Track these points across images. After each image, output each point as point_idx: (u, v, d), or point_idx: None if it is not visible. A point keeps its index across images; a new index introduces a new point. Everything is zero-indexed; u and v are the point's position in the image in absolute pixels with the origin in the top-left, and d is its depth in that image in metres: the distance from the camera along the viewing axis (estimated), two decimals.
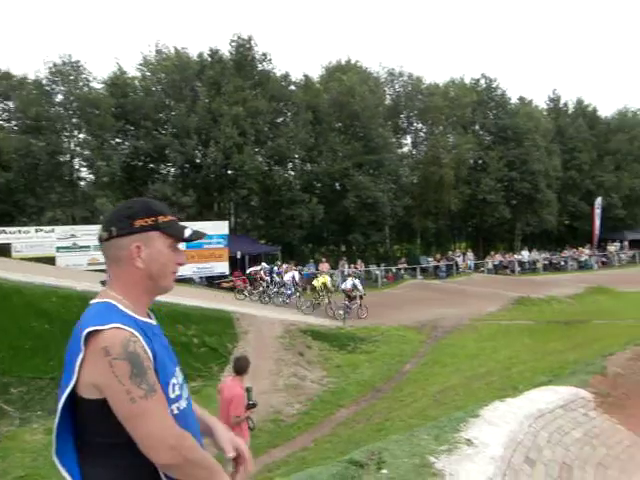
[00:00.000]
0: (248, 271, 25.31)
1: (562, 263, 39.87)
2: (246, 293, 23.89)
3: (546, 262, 39.46)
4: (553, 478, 5.44)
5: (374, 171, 34.89)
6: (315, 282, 23.61)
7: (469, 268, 35.78)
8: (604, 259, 42.03)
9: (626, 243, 45.13)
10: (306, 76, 36.72)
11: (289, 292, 23.69)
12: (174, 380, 1.91)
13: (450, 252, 38.03)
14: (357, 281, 22.68)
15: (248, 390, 7.82)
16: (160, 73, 32.57)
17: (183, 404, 1.93)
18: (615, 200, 45.71)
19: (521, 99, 45.29)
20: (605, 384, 8.76)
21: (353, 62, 38.87)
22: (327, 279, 23.52)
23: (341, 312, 20.97)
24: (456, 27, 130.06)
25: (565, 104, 50.35)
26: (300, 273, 26.36)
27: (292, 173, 36.01)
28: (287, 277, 24.56)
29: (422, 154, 40.10)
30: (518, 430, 5.82)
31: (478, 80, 43.68)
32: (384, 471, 4.47)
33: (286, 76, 35.08)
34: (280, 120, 34.50)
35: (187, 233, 2.01)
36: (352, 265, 30.55)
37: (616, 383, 8.98)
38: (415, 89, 39.46)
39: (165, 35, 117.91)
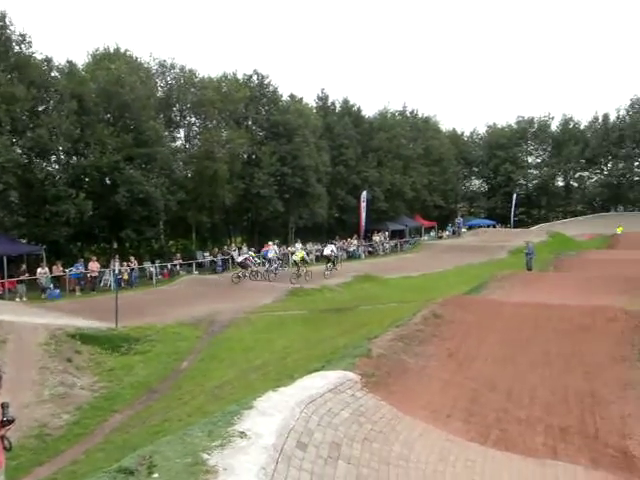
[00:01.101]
0: (239, 260, 29.19)
1: None
2: (240, 275, 28.01)
3: (318, 254, 41.46)
4: (323, 458, 5.60)
5: (146, 165, 33.61)
6: (295, 257, 29.70)
7: None
8: (370, 249, 45.58)
9: (387, 233, 49.40)
10: (70, 62, 34.03)
11: (275, 265, 29.90)
12: None
13: (226, 246, 38.16)
14: (334, 247, 31.10)
15: (2, 406, 6.97)
16: None
17: None
18: (378, 194, 49.78)
19: (292, 96, 46.83)
20: (370, 365, 9.33)
21: (122, 50, 36.91)
22: (303, 254, 30.23)
23: (327, 273, 28.96)
24: (227, 21, 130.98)
25: (333, 103, 53.41)
26: (278, 246, 33.64)
27: (56, 167, 33.22)
28: (271, 254, 30.14)
29: (196, 148, 39.55)
30: (290, 417, 5.90)
31: (251, 76, 44.22)
32: (155, 475, 4.26)
33: (48, 61, 32.10)
34: (41, 108, 31.46)
35: None
36: (125, 263, 29.16)
37: (379, 363, 9.62)
38: (188, 82, 38.69)
39: None
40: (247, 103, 42.12)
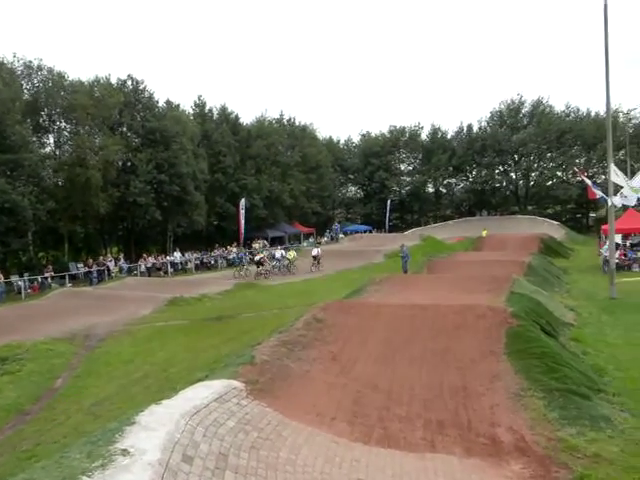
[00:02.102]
0: (257, 258, 34.42)
1: (212, 262, 41.82)
2: (261, 272, 33.17)
3: (197, 262, 40.90)
4: (210, 470, 5.56)
5: (12, 172, 31.61)
6: (288, 255, 36.16)
7: (122, 272, 35.03)
8: (250, 256, 45.33)
9: (266, 240, 49.61)
10: None
11: (283, 262, 35.55)
12: None
13: (101, 257, 36.67)
14: (319, 249, 37.13)
15: None
16: None
17: None
18: (257, 201, 49.95)
19: (168, 103, 45.98)
20: (254, 372, 9.35)
21: None
22: (294, 253, 37.52)
23: (313, 268, 34.20)
24: (97, 23, 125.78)
25: (210, 110, 52.96)
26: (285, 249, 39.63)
27: None
28: (277, 254, 36.01)
29: (67, 155, 37.71)
30: (175, 430, 5.80)
31: (125, 81, 42.74)
32: None
33: None
34: None
35: None
36: None
37: (263, 370, 9.66)
38: (57, 85, 36.76)
39: None
40: (122, 109, 40.75)
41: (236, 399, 7.92)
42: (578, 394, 9.17)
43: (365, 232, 60.36)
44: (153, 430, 5.65)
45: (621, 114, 57.89)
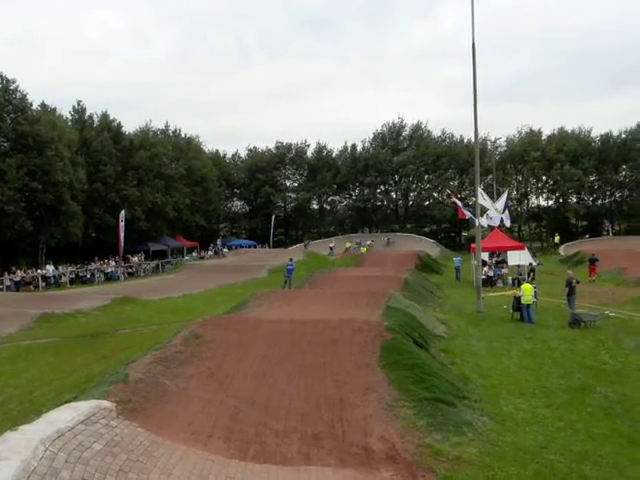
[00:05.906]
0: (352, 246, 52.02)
1: (89, 275, 40.03)
2: None
3: (73, 275, 39.02)
4: None
5: None
6: (362, 249, 51.76)
7: None
8: (130, 270, 43.92)
9: (142, 254, 48.19)
10: None
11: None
12: None
13: None
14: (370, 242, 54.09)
15: None
16: None
17: None
18: (139, 213, 48.34)
19: (44, 106, 43.79)
20: (127, 391, 9.05)
21: None
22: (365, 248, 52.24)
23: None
24: None
25: (90, 117, 50.72)
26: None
27: None
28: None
29: None
30: (32, 458, 5.47)
31: None
32: None
33: None
34: None
35: None
36: None
37: (137, 388, 9.37)
38: None
39: None
40: None
41: (105, 420, 7.62)
42: (445, 402, 9.72)
43: (250, 247, 60.29)
44: (6, 460, 5.30)
45: (489, 142, 62.48)
